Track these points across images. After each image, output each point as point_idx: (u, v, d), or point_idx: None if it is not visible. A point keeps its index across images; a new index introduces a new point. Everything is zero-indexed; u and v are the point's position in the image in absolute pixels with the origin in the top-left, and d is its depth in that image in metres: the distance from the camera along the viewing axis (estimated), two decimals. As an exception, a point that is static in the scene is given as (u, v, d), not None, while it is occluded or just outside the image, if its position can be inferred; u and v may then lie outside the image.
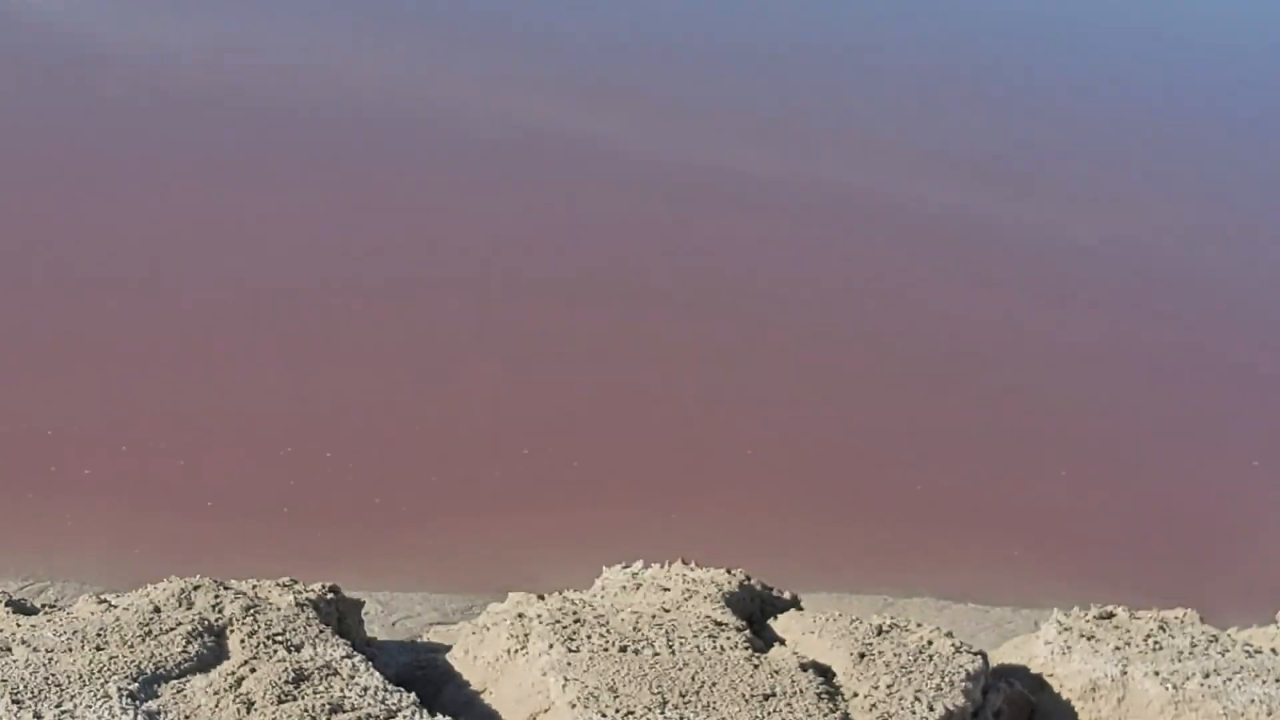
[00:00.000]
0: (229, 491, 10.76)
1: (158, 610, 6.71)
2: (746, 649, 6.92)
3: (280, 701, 5.94)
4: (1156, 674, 7.24)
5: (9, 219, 14.92)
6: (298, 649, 6.50)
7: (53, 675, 5.87)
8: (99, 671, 5.96)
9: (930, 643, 7.28)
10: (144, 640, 6.30)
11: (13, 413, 11.29)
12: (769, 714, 6.30)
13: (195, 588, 6.98)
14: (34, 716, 5.54)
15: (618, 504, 11.66)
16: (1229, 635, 8.03)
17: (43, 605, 7.28)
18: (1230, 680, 7.19)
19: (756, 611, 7.91)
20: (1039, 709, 7.54)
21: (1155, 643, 7.61)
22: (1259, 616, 9.89)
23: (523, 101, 20.74)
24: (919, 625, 7.53)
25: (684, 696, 6.34)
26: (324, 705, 5.96)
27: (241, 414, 11.72)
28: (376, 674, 6.33)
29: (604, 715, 6.08)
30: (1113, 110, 25.97)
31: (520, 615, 7.23)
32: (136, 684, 5.91)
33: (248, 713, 5.89)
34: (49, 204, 15.32)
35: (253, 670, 6.23)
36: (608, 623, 7.03)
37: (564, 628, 6.90)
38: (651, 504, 11.83)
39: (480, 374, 12.97)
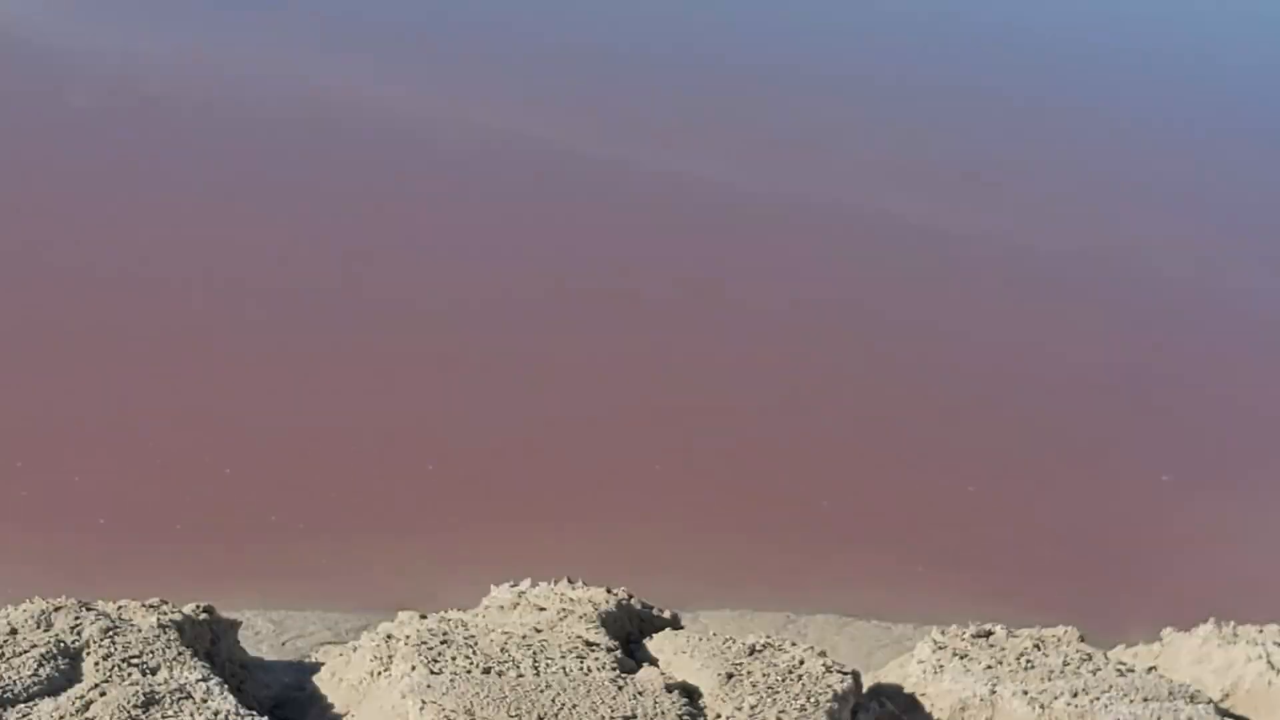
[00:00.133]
0: (122, 509, 10.64)
1: (14, 632, 6.63)
2: (614, 670, 6.91)
3: (126, 726, 5.88)
4: (1025, 693, 7.28)
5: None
6: (153, 672, 6.43)
7: (-107, 700, 5.78)
8: (-59, 696, 5.88)
9: (802, 662, 7.29)
10: (-7, 664, 6.22)
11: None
12: (626, 736, 6.30)
13: (56, 609, 6.90)
14: None
15: (523, 521, 11.61)
16: (1104, 654, 8.10)
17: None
18: (1098, 700, 7.25)
19: (634, 631, 7.90)
20: (911, 728, 7.58)
21: (1027, 661, 7.66)
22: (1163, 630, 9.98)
23: (482, 112, 20.68)
24: (794, 644, 7.54)
25: (542, 719, 6.32)
26: (171, 730, 5.91)
27: (139, 430, 11.59)
28: (230, 698, 6.28)
29: (458, 738, 6.06)
30: (1079, 122, 26.17)
31: (388, 637, 7.20)
32: (-21, 709, 5.84)
33: (92, 738, 5.83)
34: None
35: (102, 694, 6.17)
36: (476, 644, 7.00)
37: (429, 649, 6.86)
38: (557, 521, 11.78)
39: (384, 388, 12.90)
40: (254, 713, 6.20)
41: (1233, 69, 33.38)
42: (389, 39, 24.11)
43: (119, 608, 7.12)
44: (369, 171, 18.14)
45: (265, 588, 10.35)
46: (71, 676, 6.33)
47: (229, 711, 6.11)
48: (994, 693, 7.29)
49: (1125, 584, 12.38)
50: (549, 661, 6.84)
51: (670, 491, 12.59)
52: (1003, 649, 7.82)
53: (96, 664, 6.41)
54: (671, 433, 13.26)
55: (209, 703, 6.18)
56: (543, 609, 7.63)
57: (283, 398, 12.25)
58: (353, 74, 21.10)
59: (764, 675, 7.05)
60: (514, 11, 27.61)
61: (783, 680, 7.02)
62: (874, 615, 11.72)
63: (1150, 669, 8.57)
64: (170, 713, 6.05)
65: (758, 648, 7.38)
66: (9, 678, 6.15)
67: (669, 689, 6.77)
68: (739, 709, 6.72)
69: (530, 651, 6.93)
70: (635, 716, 6.44)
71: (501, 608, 7.82)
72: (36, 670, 6.25)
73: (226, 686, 6.42)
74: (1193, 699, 7.43)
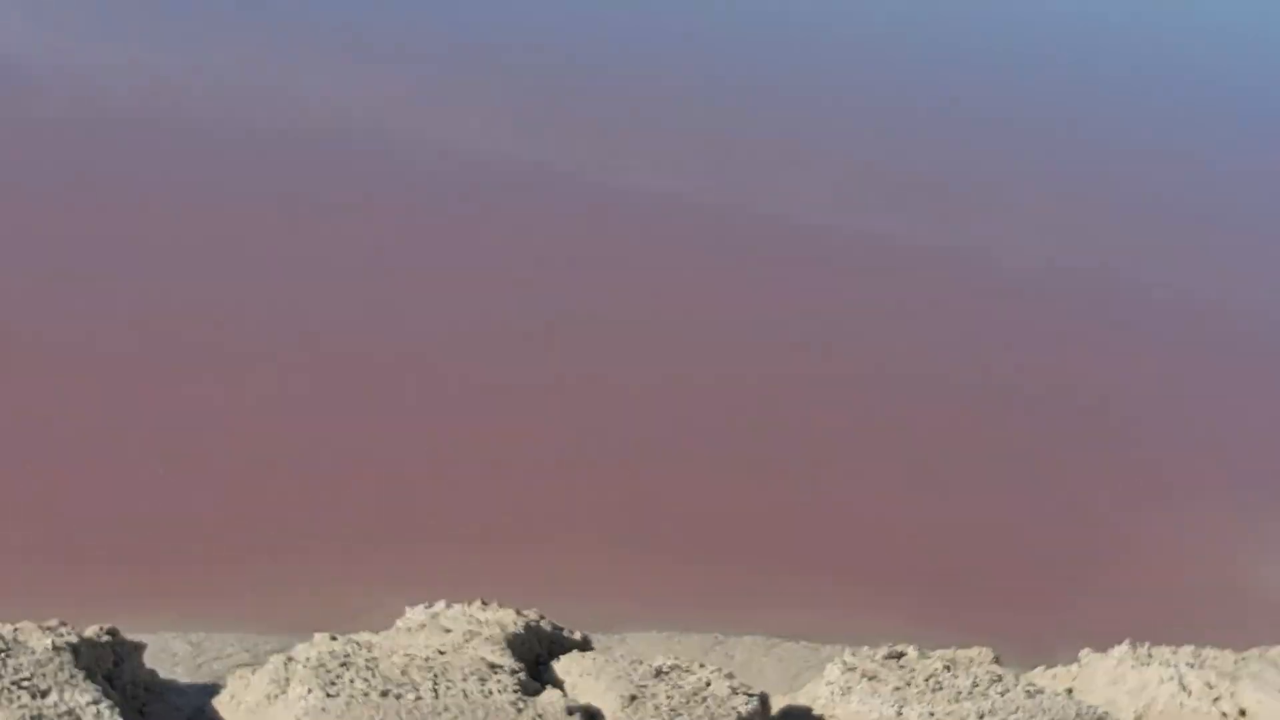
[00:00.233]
0: (43, 531, 10.53)
1: (-97, 655, 6.52)
2: (515, 692, 6.84)
3: (8, 750, 5.79)
4: (931, 714, 7.26)
5: None
6: (44, 694, 6.34)
7: None
8: None
9: (708, 684, 7.25)
10: (-124, 687, 6.12)
11: None
12: (521, 759, 6.24)
13: (-50, 632, 6.79)
14: None
15: (449, 543, 11.57)
16: (1015, 675, 8.09)
17: None
18: (1003, 721, 7.23)
19: (544, 652, 7.84)
20: (818, 750, 7.55)
21: (936, 683, 7.64)
22: (1098, 646, 9.97)
23: (443, 124, 20.62)
24: (701, 666, 7.49)
25: (437, 742, 6.26)
26: (53, 754, 5.82)
27: (60, 454, 11.48)
28: (119, 720, 6.19)
29: (348, 762, 5.99)
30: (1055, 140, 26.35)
31: (289, 659, 7.11)
32: None
33: (-29, 762, 5.73)
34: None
35: (-13, 718, 6.07)
36: (377, 666, 6.93)
37: (327, 672, 6.79)
38: (486, 543, 11.76)
39: (312, 411, 12.82)
40: (143, 736, 6.11)
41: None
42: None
43: (15, 630, 7.00)
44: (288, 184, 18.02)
45: (185, 610, 10.26)
46: (-42, 700, 6.22)
47: (115, 735, 6.02)
48: (900, 714, 7.27)
49: (1058, 604, 12.43)
50: (449, 684, 6.77)
51: (605, 515, 12.57)
52: (913, 670, 7.79)
53: (-15, 687, 6.30)
54: (607, 459, 13.24)
55: (96, 726, 6.09)
56: (449, 630, 7.56)
57: (209, 420, 12.17)
58: (305, 85, 21.08)
59: (668, 698, 7.00)
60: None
61: (687, 703, 6.97)
62: (804, 637, 11.72)
63: (1067, 690, 8.59)
64: (55, 736, 5.95)
65: (665, 670, 7.33)
66: (-108, 701, 6.04)
67: (570, 711, 6.71)
68: (639, 731, 6.68)
69: (431, 674, 6.86)
70: (532, 739, 6.38)
71: (410, 630, 7.74)
72: (-79, 693, 6.14)
73: (119, 710, 6.32)
74: (1101, 720, 7.43)
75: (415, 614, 8.35)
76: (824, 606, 12.09)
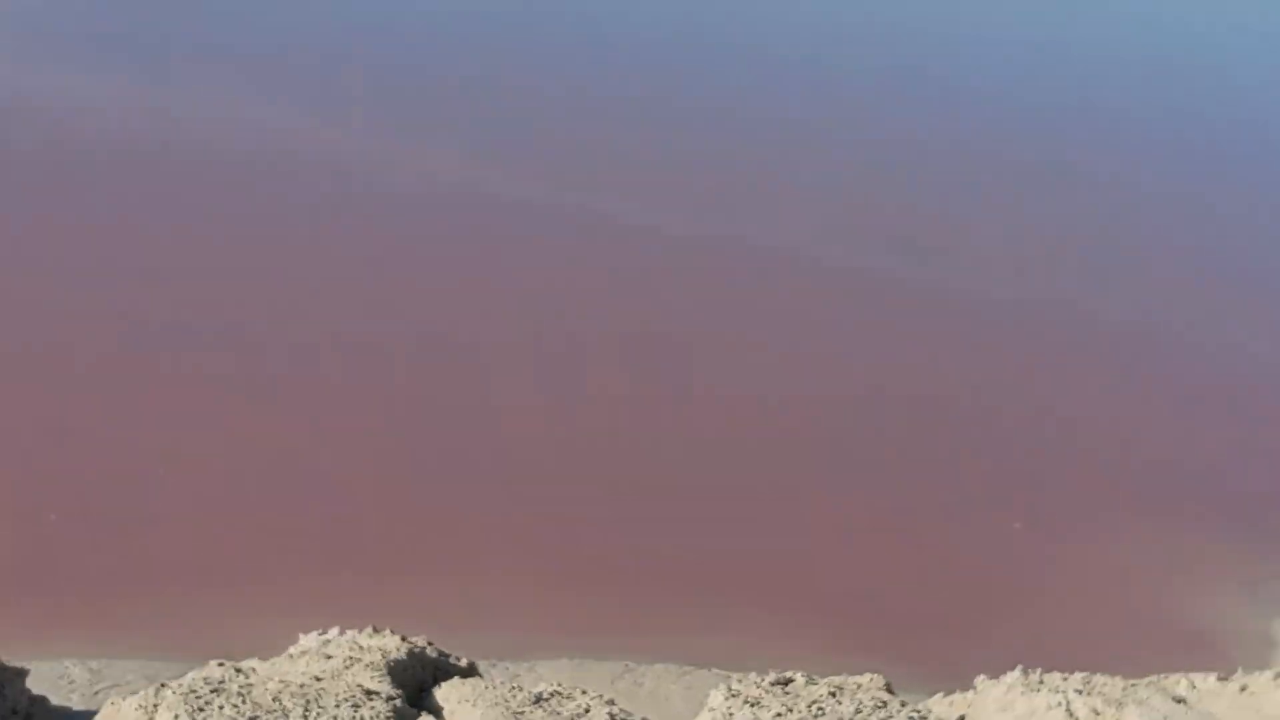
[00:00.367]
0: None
1: None
2: (388, 719, 6.82)
3: None
4: (809, 741, 7.25)
5: None
6: (-98, 721, 6.28)
7: None
8: None
9: (588, 710, 7.24)
10: None
11: None
12: (384, 785, 6.21)
13: None
14: None
15: (356, 572, 11.51)
16: (900, 702, 8.09)
17: None
18: (882, 747, 7.23)
19: (428, 679, 7.81)
20: (697, 776, 7.54)
21: (819, 708, 7.64)
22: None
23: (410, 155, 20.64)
24: (583, 693, 7.48)
25: (300, 768, 6.22)
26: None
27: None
28: (-25, 747, 6.13)
29: (206, 788, 5.95)
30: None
31: (160, 686, 7.06)
32: None
33: None
34: None
35: None
36: (250, 693, 6.89)
37: (197, 698, 6.75)
38: (392, 571, 11.71)
39: (228, 437, 12.76)
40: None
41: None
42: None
43: (-116, 656, 6.95)
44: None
45: (87, 636, 10.18)
46: None
47: (-31, 762, 5.97)
48: (779, 740, 7.26)
49: (966, 631, 12.45)
50: (321, 710, 6.74)
51: (519, 545, 12.54)
52: (798, 697, 7.79)
53: None
54: (523, 488, 13.21)
55: (-48, 753, 6.03)
56: (330, 657, 7.52)
57: (111, 449, 12.08)
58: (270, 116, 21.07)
59: (544, 724, 6.98)
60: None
61: (562, 729, 6.96)
62: (716, 665, 11.70)
63: (960, 717, 8.61)
64: (-94, 763, 5.89)
65: (545, 696, 7.32)
66: None
67: (442, 738, 6.69)
68: (510, 758, 6.66)
69: (304, 700, 6.83)
70: (398, 766, 6.35)
71: (291, 656, 7.71)
72: None
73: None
74: (982, 747, 7.44)
75: (307, 640, 8.32)
76: (739, 635, 12.08)
